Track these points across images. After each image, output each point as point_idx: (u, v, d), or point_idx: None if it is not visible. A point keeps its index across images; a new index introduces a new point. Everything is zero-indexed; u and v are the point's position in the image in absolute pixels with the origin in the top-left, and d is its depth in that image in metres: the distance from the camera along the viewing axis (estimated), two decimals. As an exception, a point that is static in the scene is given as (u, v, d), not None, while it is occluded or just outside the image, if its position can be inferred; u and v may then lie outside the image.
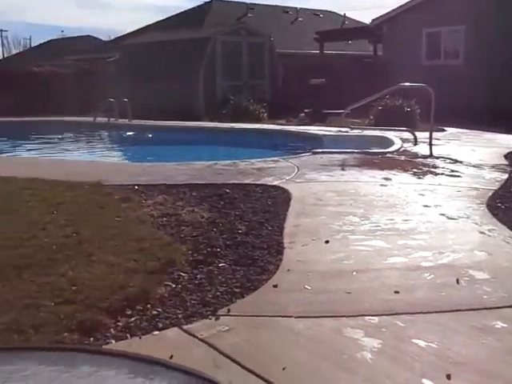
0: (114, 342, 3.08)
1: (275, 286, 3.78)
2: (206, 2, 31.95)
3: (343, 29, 30.14)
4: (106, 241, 4.61)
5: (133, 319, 3.33)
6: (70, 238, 4.71)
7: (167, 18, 31.27)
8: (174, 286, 3.82)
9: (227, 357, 2.81)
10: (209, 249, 4.54)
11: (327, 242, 4.72)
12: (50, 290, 3.61)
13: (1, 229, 4.96)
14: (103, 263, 4.08)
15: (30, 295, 3.55)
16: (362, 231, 5.04)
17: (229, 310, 3.41)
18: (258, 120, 16.47)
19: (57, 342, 2.98)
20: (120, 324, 3.26)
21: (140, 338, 3.11)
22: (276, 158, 8.97)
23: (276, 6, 33.85)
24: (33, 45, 51.08)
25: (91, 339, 3.09)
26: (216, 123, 15.71)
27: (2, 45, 51.90)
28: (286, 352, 2.91)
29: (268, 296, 3.66)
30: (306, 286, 3.77)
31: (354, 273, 4.02)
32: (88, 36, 43.81)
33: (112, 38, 38.82)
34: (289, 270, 4.10)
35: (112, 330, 3.20)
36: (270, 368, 2.71)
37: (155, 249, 4.39)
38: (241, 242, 4.73)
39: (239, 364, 2.73)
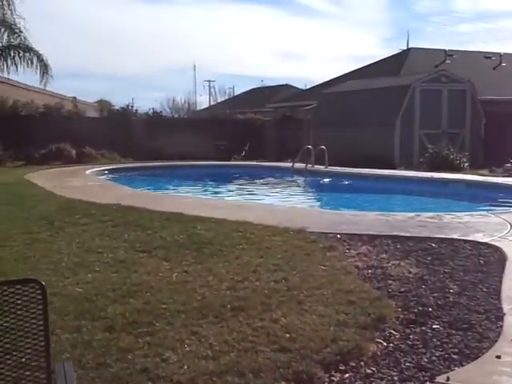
0: (329, 397, 3.05)
1: (498, 357, 3.46)
2: (403, 50, 31.77)
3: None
4: (315, 289, 4.66)
5: (347, 375, 3.27)
6: (279, 283, 4.85)
7: (363, 67, 31.63)
8: (385, 344, 3.69)
9: (453, 433, 2.61)
10: (420, 307, 4.34)
11: (556, 312, 4.23)
12: (266, 335, 3.72)
13: (216, 270, 5.29)
14: (314, 313, 4.11)
15: (247, 338, 3.69)
16: None
17: (448, 378, 3.19)
18: (459, 170, 15.70)
19: (275, 390, 3.03)
20: (334, 379, 3.23)
21: (355, 396, 3.03)
22: (484, 212, 8.42)
23: (477, 51, 32.39)
24: (235, 93, 55.15)
25: (307, 391, 3.09)
26: (414, 172, 15.31)
27: (210, 94, 56.78)
28: None
29: (491, 367, 3.36)
30: (536, 362, 3.39)
31: None
32: (286, 85, 45.97)
33: (308, 86, 40.32)
34: (512, 340, 3.74)
35: (326, 384, 3.18)
36: None
37: (364, 303, 4.32)
38: (454, 303, 4.46)
39: None
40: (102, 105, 34.76)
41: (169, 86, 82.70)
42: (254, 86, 51.79)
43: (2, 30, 17.67)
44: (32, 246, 6.32)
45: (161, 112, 26.85)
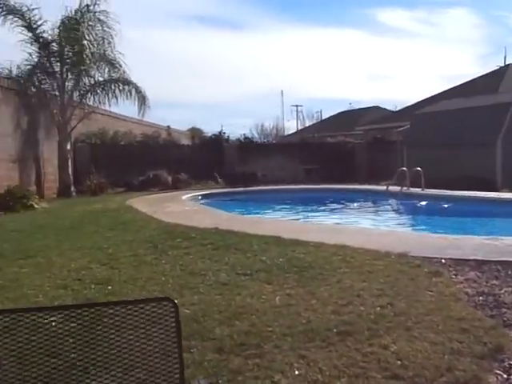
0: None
1: None
2: (500, 67, 30.58)
3: None
4: (423, 316, 4.51)
5: (467, 407, 3.12)
6: (385, 308, 4.73)
7: (458, 86, 30.70)
8: (506, 376, 3.49)
9: None
10: (543, 339, 4.08)
11: None
12: (376, 362, 3.63)
13: (319, 294, 5.25)
14: (425, 340, 3.97)
15: (357, 364, 3.62)
16: None
17: None
18: None
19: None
20: (453, 410, 3.09)
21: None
22: None
23: None
24: (323, 117, 55.15)
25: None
26: (518, 194, 14.54)
27: (297, 118, 57.18)
28: None
29: None
30: None
31: None
32: (375, 107, 45.39)
33: (398, 107, 39.65)
34: None
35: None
36: None
37: (478, 331, 4.12)
38: None
39: None
40: (194, 132, 36.00)
41: (257, 112, 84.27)
42: (342, 109, 51.55)
43: (104, 65, 18.83)
44: (139, 268, 6.58)
45: (252, 138, 27.35)
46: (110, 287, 5.72)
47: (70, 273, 6.44)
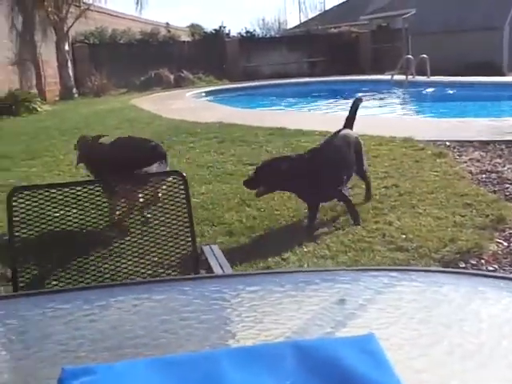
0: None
1: None
2: None
3: None
4: (427, 194, 4.62)
5: (466, 269, 3.28)
6: (390, 189, 4.85)
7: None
8: (506, 244, 3.64)
9: None
10: (542, 208, 4.19)
11: None
12: (381, 236, 3.78)
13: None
14: (429, 216, 4.10)
15: (363, 239, 3.77)
16: None
17: None
18: None
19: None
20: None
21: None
22: None
23: None
24: (326, 8, 53.02)
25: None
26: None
27: (300, 10, 55.17)
28: None
29: None
30: None
31: None
32: (381, -7, 43.49)
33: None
34: None
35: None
36: None
37: (481, 205, 4.24)
38: None
39: None
40: (194, 29, 34.81)
41: (257, 5, 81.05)
42: (346, -2, 49.35)
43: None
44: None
45: (254, 31, 26.56)
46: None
47: (79, 170, 6.52)
